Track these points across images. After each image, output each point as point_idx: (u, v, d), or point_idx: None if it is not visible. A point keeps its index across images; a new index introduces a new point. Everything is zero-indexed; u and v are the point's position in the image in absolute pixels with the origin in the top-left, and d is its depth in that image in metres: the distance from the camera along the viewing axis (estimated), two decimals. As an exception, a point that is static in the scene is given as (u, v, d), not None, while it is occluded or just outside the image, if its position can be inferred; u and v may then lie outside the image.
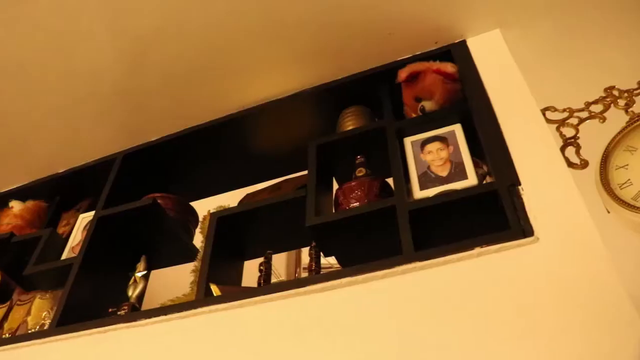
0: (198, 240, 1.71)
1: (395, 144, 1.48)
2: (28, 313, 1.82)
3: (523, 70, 1.49)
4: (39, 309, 1.79)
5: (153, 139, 1.96)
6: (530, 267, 1.07)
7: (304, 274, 2.59)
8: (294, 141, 1.81)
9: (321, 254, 1.44)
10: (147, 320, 1.33)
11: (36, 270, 1.71)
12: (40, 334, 1.51)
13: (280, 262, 2.85)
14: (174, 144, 1.91)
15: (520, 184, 1.21)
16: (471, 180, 1.37)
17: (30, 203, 2.13)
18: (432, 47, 1.68)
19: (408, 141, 1.53)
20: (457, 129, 1.50)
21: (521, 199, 1.19)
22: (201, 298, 1.34)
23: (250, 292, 1.24)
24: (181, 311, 1.30)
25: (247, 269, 1.65)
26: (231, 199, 1.80)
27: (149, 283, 1.66)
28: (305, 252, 2.78)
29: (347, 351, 1.07)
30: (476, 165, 1.43)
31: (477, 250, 1.12)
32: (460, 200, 1.29)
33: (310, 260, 1.42)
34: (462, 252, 1.12)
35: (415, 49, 1.68)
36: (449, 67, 1.55)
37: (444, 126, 1.52)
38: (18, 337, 1.56)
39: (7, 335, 1.76)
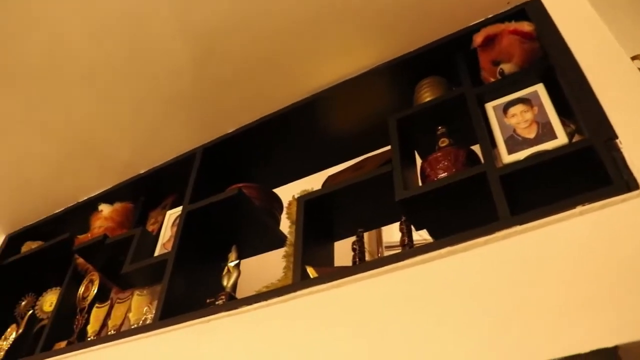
0: (284, 226, 1.73)
1: (477, 110, 1.44)
2: (129, 310, 1.89)
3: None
4: (139, 305, 1.86)
5: (230, 130, 1.99)
6: (637, 222, 1.03)
7: (387, 253, 2.59)
8: (370, 119, 1.80)
9: (412, 227, 1.43)
10: (248, 307, 1.36)
11: (133, 268, 1.77)
12: (145, 328, 1.56)
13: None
14: (251, 134, 1.94)
15: (617, 137, 1.16)
16: (561, 139, 1.33)
17: (118, 205, 2.21)
18: (505, 7, 1.63)
19: (490, 107, 1.49)
20: (540, 88, 1.46)
21: (620, 152, 1.14)
22: (298, 281, 1.36)
23: (349, 271, 1.24)
24: (281, 295, 1.31)
25: (338, 250, 1.66)
26: (313, 182, 1.81)
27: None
28: (385, 230, 2.77)
29: (455, 321, 1.05)
30: (563, 124, 1.38)
31: (579, 208, 1.08)
32: (553, 160, 1.25)
33: (402, 236, 1.41)
34: (563, 211, 1.09)
35: (487, 11, 1.63)
36: (525, 26, 1.50)
37: (525, 87, 1.48)
38: (124, 333, 1.62)
39: (112, 332, 1.84)
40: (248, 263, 1.83)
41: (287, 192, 1.78)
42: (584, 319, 0.94)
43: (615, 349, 0.88)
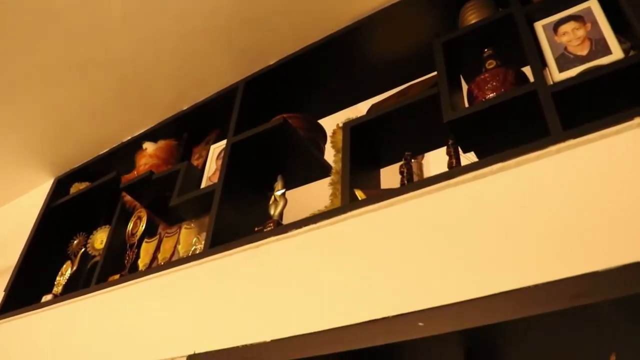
0: (329, 155, 1.72)
1: (526, 29, 1.40)
2: (177, 242, 1.94)
3: None
4: (187, 237, 1.91)
5: (272, 62, 1.98)
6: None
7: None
8: (415, 45, 1.76)
9: (460, 151, 1.41)
10: (298, 231, 1.38)
11: (181, 201, 1.80)
12: (196, 256, 1.60)
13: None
14: (292, 65, 1.92)
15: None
16: (616, 54, 1.28)
17: (161, 143, 2.24)
18: None
19: (539, 25, 1.44)
20: (593, 4, 1.40)
21: (681, 65, 1.09)
22: (347, 204, 1.36)
23: (398, 191, 1.24)
24: (330, 218, 1.33)
25: (384, 177, 1.66)
26: (356, 113, 1.80)
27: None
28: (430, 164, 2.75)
29: (507, 235, 1.05)
30: (618, 41, 1.33)
31: (637, 120, 1.05)
32: (607, 76, 1.21)
33: (450, 158, 1.39)
34: (620, 123, 1.06)
35: None
36: (577, -61, 1.43)
37: (577, 4, 1.42)
38: (176, 262, 1.66)
39: (162, 264, 1.89)
40: (294, 194, 1.84)
41: (331, 123, 1.77)
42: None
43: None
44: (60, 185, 2.69)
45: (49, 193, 2.67)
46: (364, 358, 1.14)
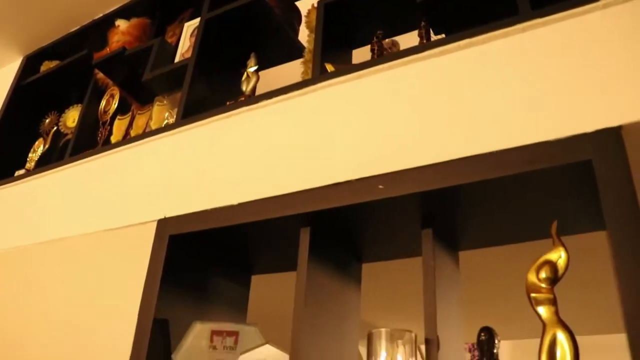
0: (303, 36, 1.73)
1: None
2: (150, 119, 1.96)
3: None
4: (160, 114, 1.92)
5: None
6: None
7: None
8: None
9: (431, 32, 1.43)
10: (269, 101, 1.41)
11: (153, 75, 1.81)
12: (168, 127, 1.63)
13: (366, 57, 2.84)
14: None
15: None
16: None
17: (134, 20, 2.21)
18: None
19: None
20: None
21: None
22: (318, 75, 1.39)
23: (368, 63, 1.27)
24: (301, 89, 1.35)
25: (356, 58, 1.67)
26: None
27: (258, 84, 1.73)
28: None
29: (469, 106, 1.10)
30: None
31: (603, 1, 1.08)
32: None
33: (421, 39, 1.41)
34: (585, 5, 1.09)
35: None
36: None
37: None
38: (148, 133, 1.69)
39: (134, 138, 1.91)
40: (267, 74, 1.85)
41: (308, 5, 1.76)
42: (594, 100, 0.98)
43: (619, 130, 0.92)
44: (30, 64, 2.65)
45: (18, 71, 2.62)
46: (328, 222, 1.21)
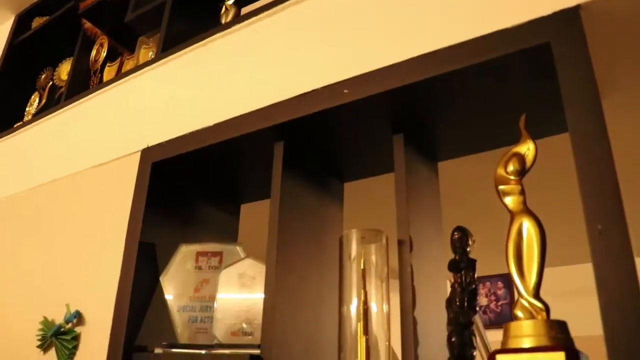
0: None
1: None
2: (137, 61, 1.97)
3: None
4: (145, 55, 1.94)
5: None
6: None
7: None
8: None
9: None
10: (238, 25, 1.41)
11: (136, 14, 1.81)
12: (147, 63, 1.64)
13: None
14: None
15: None
16: None
17: (117, -34, 2.20)
18: None
19: None
20: None
21: None
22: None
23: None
24: (270, 9, 1.35)
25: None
26: None
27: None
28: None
29: (426, 7, 1.08)
30: None
31: None
32: None
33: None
34: None
35: None
36: None
37: None
38: (128, 71, 1.71)
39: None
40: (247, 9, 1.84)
41: None
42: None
43: (577, 9, 0.91)
44: (22, 22, 2.66)
45: (10, 30, 2.64)
46: (300, 134, 1.22)
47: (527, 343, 0.82)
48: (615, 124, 0.96)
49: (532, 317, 0.85)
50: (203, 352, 1.11)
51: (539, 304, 0.86)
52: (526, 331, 0.84)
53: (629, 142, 1.72)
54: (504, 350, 0.84)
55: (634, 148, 1.79)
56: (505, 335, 0.86)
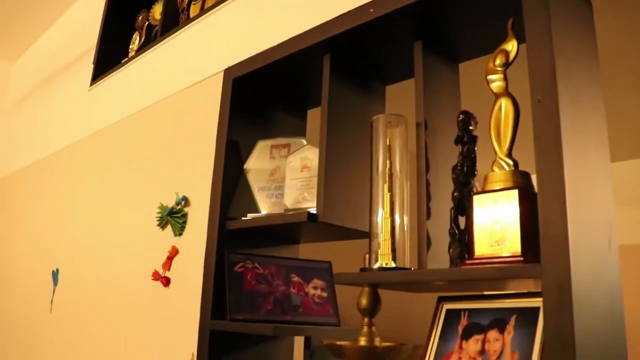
0: None
1: None
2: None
3: None
4: (223, -8, 2.29)
5: None
6: None
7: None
8: None
9: None
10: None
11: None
12: (226, -1, 2.01)
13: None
14: None
15: None
16: None
17: None
18: None
19: None
20: None
21: None
22: None
23: None
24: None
25: None
26: None
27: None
28: None
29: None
30: None
31: None
32: None
33: None
34: None
35: None
36: None
37: None
38: (209, 7, 2.08)
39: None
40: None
41: None
42: None
43: None
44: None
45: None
46: (344, 47, 1.55)
47: (498, 186, 1.15)
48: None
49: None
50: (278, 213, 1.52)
51: (510, 161, 1.18)
52: (498, 178, 1.17)
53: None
54: (479, 192, 1.18)
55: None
56: (484, 183, 1.19)
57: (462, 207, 1.29)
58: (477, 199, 1.16)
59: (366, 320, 1.36)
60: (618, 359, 1.07)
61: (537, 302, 1.08)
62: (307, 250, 1.85)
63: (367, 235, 1.36)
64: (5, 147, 3.88)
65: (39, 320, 2.82)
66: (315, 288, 1.66)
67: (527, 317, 1.09)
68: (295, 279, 1.64)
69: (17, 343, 3.03)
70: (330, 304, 1.66)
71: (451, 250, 1.26)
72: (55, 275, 2.74)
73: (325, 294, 1.66)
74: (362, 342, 1.33)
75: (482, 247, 1.13)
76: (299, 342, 1.68)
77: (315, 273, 1.68)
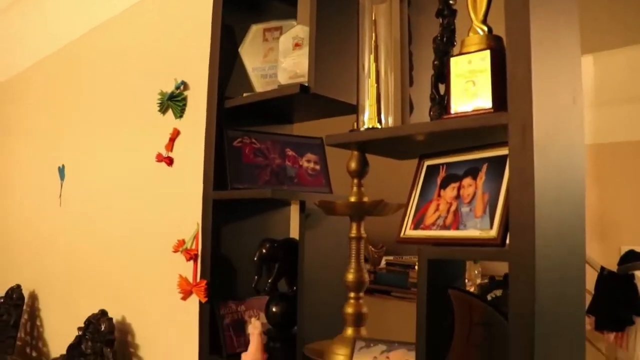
0: None
1: None
2: None
3: None
4: None
5: None
6: None
7: None
8: None
9: None
10: None
11: None
12: None
13: None
14: None
15: None
16: None
17: None
18: None
19: None
20: None
21: None
22: None
23: None
24: None
25: None
26: None
27: None
28: None
29: None
30: None
31: None
32: None
33: None
34: None
35: None
36: None
37: None
38: None
39: None
40: None
41: None
42: None
43: None
44: None
45: None
46: None
47: (473, 48, 1.26)
48: None
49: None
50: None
51: (484, 27, 1.28)
52: (473, 42, 1.28)
53: None
54: (455, 54, 1.29)
55: None
56: (460, 47, 1.30)
57: (442, 74, 1.41)
58: (454, 61, 1.28)
59: (355, 181, 1.51)
60: (576, 197, 1.23)
61: (506, 150, 1.22)
62: (300, 132, 1.98)
63: (356, 108, 1.48)
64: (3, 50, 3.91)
65: (50, 216, 2.98)
66: (308, 161, 1.80)
67: (497, 164, 1.23)
68: (290, 152, 1.78)
69: (30, 240, 3.22)
70: (322, 176, 1.81)
71: (431, 113, 1.38)
72: (61, 170, 2.88)
73: (318, 167, 1.80)
74: (352, 199, 1.48)
75: (458, 103, 1.25)
76: (294, 211, 1.83)
77: (309, 148, 1.82)
